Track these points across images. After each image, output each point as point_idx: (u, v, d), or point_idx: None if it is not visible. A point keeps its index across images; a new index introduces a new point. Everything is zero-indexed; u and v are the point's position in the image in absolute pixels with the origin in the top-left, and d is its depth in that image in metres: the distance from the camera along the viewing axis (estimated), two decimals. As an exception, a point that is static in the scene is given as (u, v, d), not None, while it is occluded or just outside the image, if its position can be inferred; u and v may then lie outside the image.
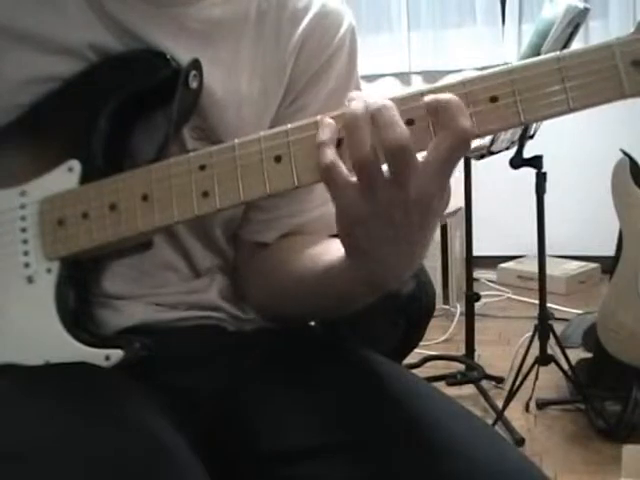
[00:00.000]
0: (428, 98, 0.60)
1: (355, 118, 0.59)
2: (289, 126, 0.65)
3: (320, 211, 0.84)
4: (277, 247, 0.84)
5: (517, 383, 1.99)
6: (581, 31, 1.80)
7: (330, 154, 0.61)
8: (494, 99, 0.60)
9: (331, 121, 0.62)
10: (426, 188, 0.59)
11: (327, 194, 0.83)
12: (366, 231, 0.62)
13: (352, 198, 0.60)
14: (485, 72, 0.61)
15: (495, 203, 3.21)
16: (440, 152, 0.58)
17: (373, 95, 0.60)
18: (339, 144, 0.62)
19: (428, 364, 2.36)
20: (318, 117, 0.64)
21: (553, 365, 1.98)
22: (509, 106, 0.60)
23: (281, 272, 0.81)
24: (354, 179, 0.60)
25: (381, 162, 0.59)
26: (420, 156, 0.59)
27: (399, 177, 0.59)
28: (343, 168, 0.60)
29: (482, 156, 1.96)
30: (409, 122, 0.60)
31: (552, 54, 0.60)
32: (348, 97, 0.61)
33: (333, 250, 0.71)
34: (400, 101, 0.61)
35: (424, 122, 0.61)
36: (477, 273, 2.90)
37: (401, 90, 0.63)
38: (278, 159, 0.64)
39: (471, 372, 2.28)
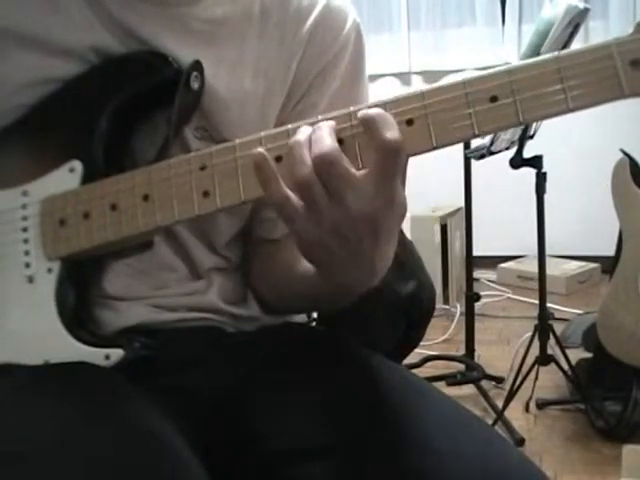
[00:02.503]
0: (360, 114, 0.61)
1: (295, 141, 0.61)
2: (289, 126, 0.65)
3: None
4: (282, 245, 0.84)
5: (517, 383, 1.99)
6: (581, 31, 1.80)
7: (280, 188, 0.61)
8: (494, 99, 0.60)
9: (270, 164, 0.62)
10: (367, 202, 0.60)
11: None
12: (324, 249, 0.63)
13: (304, 223, 0.61)
14: (485, 72, 0.61)
15: (495, 203, 3.21)
16: (372, 165, 0.59)
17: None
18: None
19: (428, 364, 2.36)
20: (319, 117, 0.64)
21: (553, 365, 1.98)
22: (508, 106, 0.60)
23: (283, 269, 0.82)
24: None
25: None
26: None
27: (336, 192, 0.60)
28: (294, 198, 0.61)
29: (482, 156, 1.96)
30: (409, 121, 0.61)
31: (551, 54, 0.60)
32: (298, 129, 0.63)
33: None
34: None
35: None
36: (477, 273, 2.90)
37: (401, 90, 0.63)
38: (279, 159, 0.64)
39: (471, 372, 2.28)
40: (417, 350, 1.24)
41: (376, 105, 0.62)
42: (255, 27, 0.81)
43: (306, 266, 0.72)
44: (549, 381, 2.14)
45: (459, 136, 0.61)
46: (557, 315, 2.66)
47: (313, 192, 0.60)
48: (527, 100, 0.60)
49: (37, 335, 0.74)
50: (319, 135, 0.61)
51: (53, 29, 0.75)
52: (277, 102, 0.82)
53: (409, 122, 0.61)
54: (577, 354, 2.09)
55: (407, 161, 0.62)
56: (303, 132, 0.62)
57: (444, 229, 3.01)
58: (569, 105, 0.59)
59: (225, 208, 0.67)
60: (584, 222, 3.26)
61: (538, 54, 1.61)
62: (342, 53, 0.84)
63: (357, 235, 0.62)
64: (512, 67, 0.60)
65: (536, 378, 2.01)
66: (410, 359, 1.25)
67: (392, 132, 0.59)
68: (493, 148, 1.93)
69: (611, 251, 1.96)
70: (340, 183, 0.60)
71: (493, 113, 0.60)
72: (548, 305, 2.04)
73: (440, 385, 2.16)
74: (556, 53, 0.60)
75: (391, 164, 0.59)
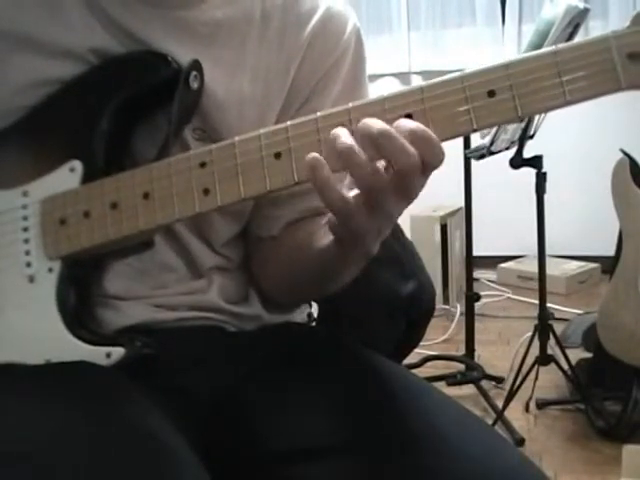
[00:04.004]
0: (400, 125, 0.60)
1: (348, 146, 0.60)
2: (289, 123, 0.65)
3: None
4: (285, 236, 0.85)
5: (517, 383, 1.99)
6: (581, 31, 1.80)
7: (336, 192, 0.61)
8: (492, 93, 0.61)
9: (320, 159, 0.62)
10: (419, 188, 0.62)
11: None
12: (368, 235, 0.65)
13: (360, 218, 0.62)
14: (482, 67, 0.61)
15: (495, 203, 3.21)
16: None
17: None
18: None
19: (428, 364, 2.36)
20: (318, 114, 0.64)
21: (553, 365, 1.98)
22: (507, 100, 0.61)
23: (290, 257, 0.82)
24: (356, 196, 0.62)
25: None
26: None
27: (405, 186, 0.61)
28: (347, 196, 0.62)
29: (482, 156, 1.96)
30: (408, 116, 0.62)
31: (549, 48, 0.60)
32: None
33: (322, 237, 0.73)
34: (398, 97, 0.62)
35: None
36: (477, 273, 2.90)
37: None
38: (278, 155, 0.65)
39: (471, 372, 2.28)
40: (417, 350, 1.24)
41: (375, 100, 0.62)
42: (255, 31, 0.81)
43: (325, 242, 0.73)
44: (549, 381, 2.14)
45: (458, 131, 0.62)
46: (557, 315, 2.66)
47: (381, 192, 0.61)
48: (525, 94, 0.60)
49: (38, 334, 0.74)
50: (400, 146, 0.59)
51: (54, 32, 0.75)
52: (276, 106, 0.82)
53: (408, 117, 0.61)
54: (577, 354, 2.09)
55: None
56: (345, 135, 0.61)
57: (444, 229, 3.01)
58: (567, 98, 0.60)
59: (226, 205, 0.68)
60: (584, 222, 3.26)
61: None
62: (343, 58, 0.84)
63: (400, 207, 0.64)
64: (510, 61, 0.61)
65: (536, 378, 2.01)
66: (410, 359, 1.25)
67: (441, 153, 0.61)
68: (493, 148, 1.92)
69: (611, 251, 1.96)
70: (413, 183, 0.61)
71: (491, 107, 0.61)
72: (548, 305, 2.03)
73: (440, 385, 2.16)
74: (554, 47, 0.60)
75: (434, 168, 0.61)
